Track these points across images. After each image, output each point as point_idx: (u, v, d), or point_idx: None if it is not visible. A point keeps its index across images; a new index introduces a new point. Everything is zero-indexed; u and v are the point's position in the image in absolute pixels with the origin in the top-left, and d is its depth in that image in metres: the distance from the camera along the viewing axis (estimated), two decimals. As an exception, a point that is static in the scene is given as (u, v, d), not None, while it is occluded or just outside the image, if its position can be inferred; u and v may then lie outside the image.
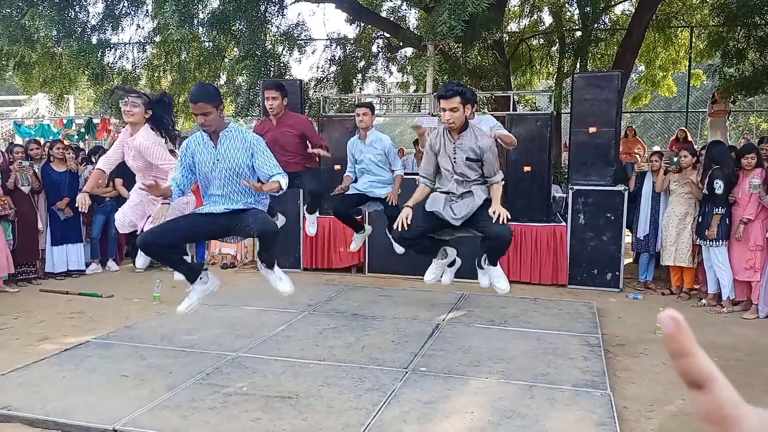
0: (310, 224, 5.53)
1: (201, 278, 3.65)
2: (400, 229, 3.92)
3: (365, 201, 5.46)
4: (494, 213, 3.73)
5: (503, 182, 4.01)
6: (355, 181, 5.46)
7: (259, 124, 5.19)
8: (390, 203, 5.22)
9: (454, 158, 3.76)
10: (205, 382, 3.75)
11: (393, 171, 5.35)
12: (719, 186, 5.66)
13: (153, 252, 3.49)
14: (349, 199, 5.39)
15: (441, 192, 3.94)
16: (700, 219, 5.95)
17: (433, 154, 3.92)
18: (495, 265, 4.11)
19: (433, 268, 4.28)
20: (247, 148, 3.35)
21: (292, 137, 4.89)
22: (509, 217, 3.85)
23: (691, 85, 12.86)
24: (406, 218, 3.90)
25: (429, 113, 7.64)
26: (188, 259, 3.76)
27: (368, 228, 5.90)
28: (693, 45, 11.90)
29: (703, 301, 6.02)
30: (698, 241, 5.98)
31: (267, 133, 4.83)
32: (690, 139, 10.49)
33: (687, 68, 12.43)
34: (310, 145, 4.96)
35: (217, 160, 3.35)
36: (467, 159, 3.72)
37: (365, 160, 5.28)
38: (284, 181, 3.43)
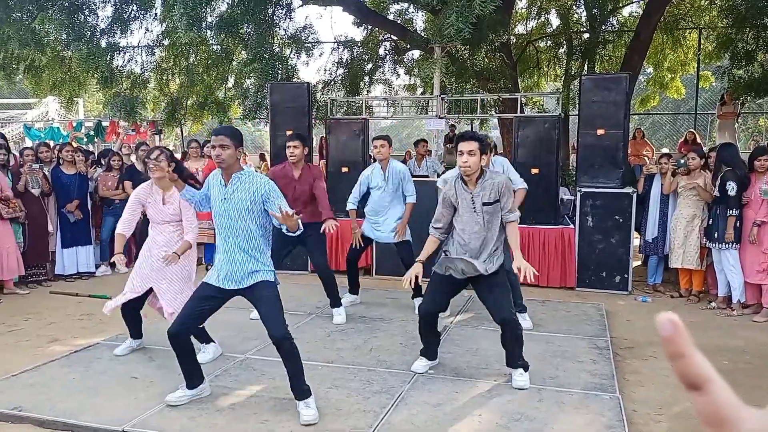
0: (337, 315, 5.30)
1: (200, 387, 3.56)
2: (405, 286, 3.83)
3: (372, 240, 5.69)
4: (518, 270, 3.64)
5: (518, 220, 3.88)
6: (362, 215, 5.66)
7: (279, 170, 5.20)
8: (397, 236, 5.39)
9: (473, 206, 3.77)
10: (214, 384, 3.76)
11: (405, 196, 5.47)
12: (732, 188, 5.62)
13: (179, 342, 3.40)
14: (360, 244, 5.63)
15: (458, 243, 3.82)
16: (709, 221, 5.91)
17: (449, 205, 3.84)
18: (514, 367, 3.84)
19: (423, 363, 4.06)
20: (257, 191, 3.28)
21: (306, 187, 5.09)
22: (536, 273, 3.76)
23: (699, 86, 12.83)
24: (416, 276, 3.78)
25: (436, 115, 7.65)
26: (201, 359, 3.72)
27: (357, 298, 5.86)
28: (701, 47, 11.85)
29: (713, 304, 5.98)
30: (707, 243, 5.94)
31: (286, 180, 5.01)
32: (699, 141, 10.44)
33: (695, 70, 12.39)
34: (315, 195, 5.06)
35: (225, 198, 3.30)
36: (484, 204, 3.73)
37: (381, 194, 5.41)
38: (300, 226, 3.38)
